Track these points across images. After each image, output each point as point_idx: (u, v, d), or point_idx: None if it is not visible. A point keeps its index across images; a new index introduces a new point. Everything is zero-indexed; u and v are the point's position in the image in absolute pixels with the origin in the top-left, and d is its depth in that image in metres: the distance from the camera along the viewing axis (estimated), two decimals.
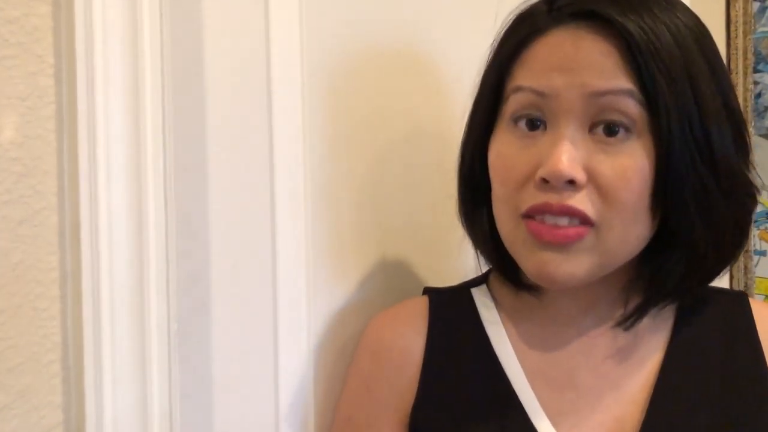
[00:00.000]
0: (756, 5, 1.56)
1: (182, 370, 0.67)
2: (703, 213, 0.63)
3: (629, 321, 0.68)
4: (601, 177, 0.61)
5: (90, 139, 0.61)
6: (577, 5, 0.63)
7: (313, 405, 0.78)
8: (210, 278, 0.70)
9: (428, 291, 0.79)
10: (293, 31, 0.75)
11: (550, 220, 0.62)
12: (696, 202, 0.62)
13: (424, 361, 0.73)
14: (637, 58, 0.60)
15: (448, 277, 0.92)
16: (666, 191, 0.61)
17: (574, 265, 0.63)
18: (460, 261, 0.92)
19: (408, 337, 0.75)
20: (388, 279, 0.87)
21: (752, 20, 1.55)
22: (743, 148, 0.66)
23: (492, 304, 0.75)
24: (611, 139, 0.62)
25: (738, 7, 1.53)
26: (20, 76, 0.60)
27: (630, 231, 0.63)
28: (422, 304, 0.77)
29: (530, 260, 0.64)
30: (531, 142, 0.64)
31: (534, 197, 0.63)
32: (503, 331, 0.73)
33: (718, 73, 0.64)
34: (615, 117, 0.61)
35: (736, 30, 1.53)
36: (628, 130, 0.62)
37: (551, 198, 0.62)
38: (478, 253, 0.75)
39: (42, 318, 0.61)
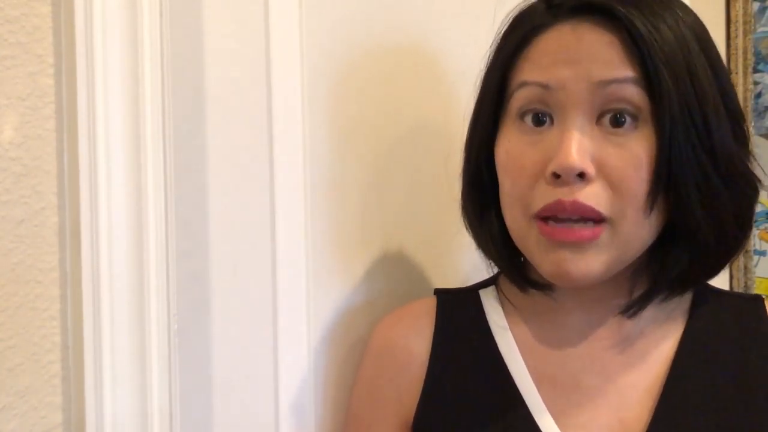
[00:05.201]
0: (756, 5, 1.56)
1: (182, 370, 0.67)
2: (705, 201, 0.63)
3: (633, 309, 0.68)
4: (611, 168, 0.61)
5: (90, 139, 0.61)
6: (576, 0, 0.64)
7: (313, 405, 0.78)
8: (210, 278, 0.70)
9: (438, 292, 0.79)
10: (293, 30, 0.75)
11: (562, 216, 0.62)
12: (697, 188, 0.62)
13: (429, 362, 0.73)
14: (640, 46, 0.61)
15: (451, 276, 0.92)
16: (669, 178, 0.62)
17: (590, 262, 0.63)
18: (463, 259, 0.92)
19: (413, 337, 0.75)
20: (389, 278, 0.87)
21: (752, 20, 1.55)
22: (743, 141, 0.66)
23: (499, 306, 0.75)
24: (619, 130, 0.62)
25: (738, 7, 1.53)
26: (20, 76, 0.60)
27: (642, 221, 0.63)
28: (430, 305, 0.77)
29: (545, 260, 0.64)
30: (539, 138, 0.64)
31: (545, 195, 0.63)
32: (509, 333, 0.73)
33: (718, 71, 0.65)
34: (621, 105, 0.62)
35: (736, 30, 1.53)
36: (634, 118, 0.62)
37: (563, 194, 0.62)
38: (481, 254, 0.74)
39: (42, 318, 0.61)
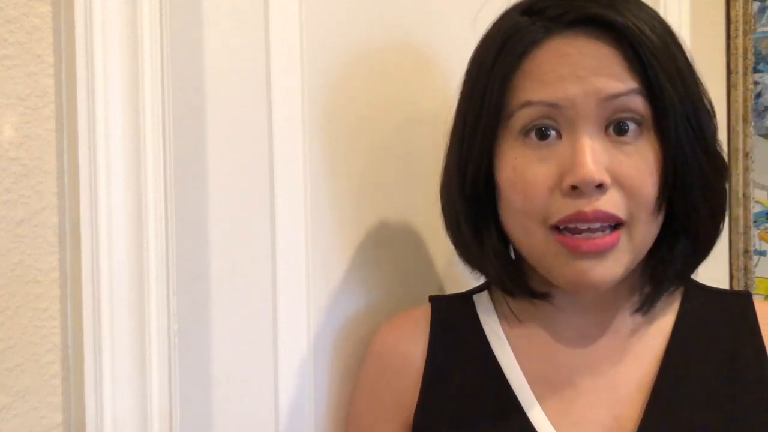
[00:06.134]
0: (756, 5, 1.56)
1: (182, 370, 0.67)
2: (705, 197, 0.66)
3: (646, 306, 0.69)
4: (625, 177, 0.63)
5: (90, 139, 0.61)
6: (573, 13, 0.63)
7: (313, 405, 0.78)
8: (210, 278, 0.70)
9: (432, 299, 0.79)
10: (293, 29, 0.75)
11: (582, 227, 0.63)
12: (699, 188, 0.65)
13: (425, 367, 0.74)
14: (641, 57, 0.62)
15: (454, 274, 0.92)
16: (675, 182, 0.64)
17: (612, 268, 0.64)
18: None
19: (409, 342, 0.75)
20: (389, 278, 0.87)
21: (752, 20, 1.55)
22: (713, 122, 0.68)
23: (493, 310, 0.75)
24: (625, 138, 0.63)
25: (738, 7, 1.53)
26: (20, 76, 0.60)
27: (651, 225, 0.65)
28: (425, 311, 0.77)
29: (566, 271, 0.65)
30: (547, 153, 0.64)
31: (563, 207, 0.63)
32: (503, 335, 0.73)
33: (692, 67, 0.67)
34: (627, 115, 0.63)
35: (736, 30, 1.53)
36: (638, 125, 0.64)
37: (583, 205, 0.62)
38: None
39: (42, 318, 0.61)
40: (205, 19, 0.69)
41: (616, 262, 0.64)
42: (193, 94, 0.69)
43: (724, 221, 0.70)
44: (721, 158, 0.68)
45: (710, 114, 0.67)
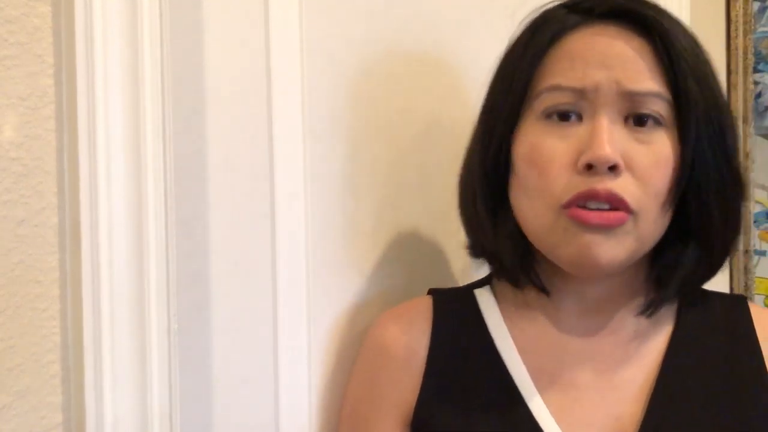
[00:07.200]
0: (756, 5, 1.56)
1: (182, 370, 0.67)
2: (721, 206, 0.66)
3: (650, 310, 0.70)
4: (638, 165, 0.64)
5: (90, 139, 0.61)
6: (606, 5, 0.66)
7: (314, 405, 0.78)
8: (210, 278, 0.70)
9: (432, 291, 0.79)
10: (293, 29, 0.75)
11: (592, 206, 0.64)
12: (716, 195, 0.66)
13: (427, 360, 0.74)
14: (671, 55, 0.64)
15: (449, 275, 0.92)
16: (690, 184, 0.65)
17: (617, 248, 0.65)
18: (464, 261, 0.92)
19: (412, 335, 0.75)
20: (389, 279, 0.87)
21: (752, 20, 1.55)
22: (735, 135, 0.69)
23: (495, 304, 0.76)
24: (642, 129, 0.65)
25: (738, 7, 1.53)
26: (20, 76, 0.60)
27: (659, 219, 0.66)
28: (426, 303, 0.77)
29: (573, 245, 0.65)
30: (567, 132, 0.66)
31: (577, 185, 0.64)
32: (506, 330, 0.74)
33: (718, 77, 0.68)
34: (646, 111, 0.65)
35: (736, 30, 1.53)
36: (657, 122, 0.65)
37: (596, 183, 0.63)
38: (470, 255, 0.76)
39: (42, 318, 0.61)
40: (205, 19, 0.69)
41: (619, 244, 0.64)
42: (193, 94, 0.69)
43: (737, 238, 0.70)
44: (741, 176, 0.69)
45: (733, 128, 0.68)
